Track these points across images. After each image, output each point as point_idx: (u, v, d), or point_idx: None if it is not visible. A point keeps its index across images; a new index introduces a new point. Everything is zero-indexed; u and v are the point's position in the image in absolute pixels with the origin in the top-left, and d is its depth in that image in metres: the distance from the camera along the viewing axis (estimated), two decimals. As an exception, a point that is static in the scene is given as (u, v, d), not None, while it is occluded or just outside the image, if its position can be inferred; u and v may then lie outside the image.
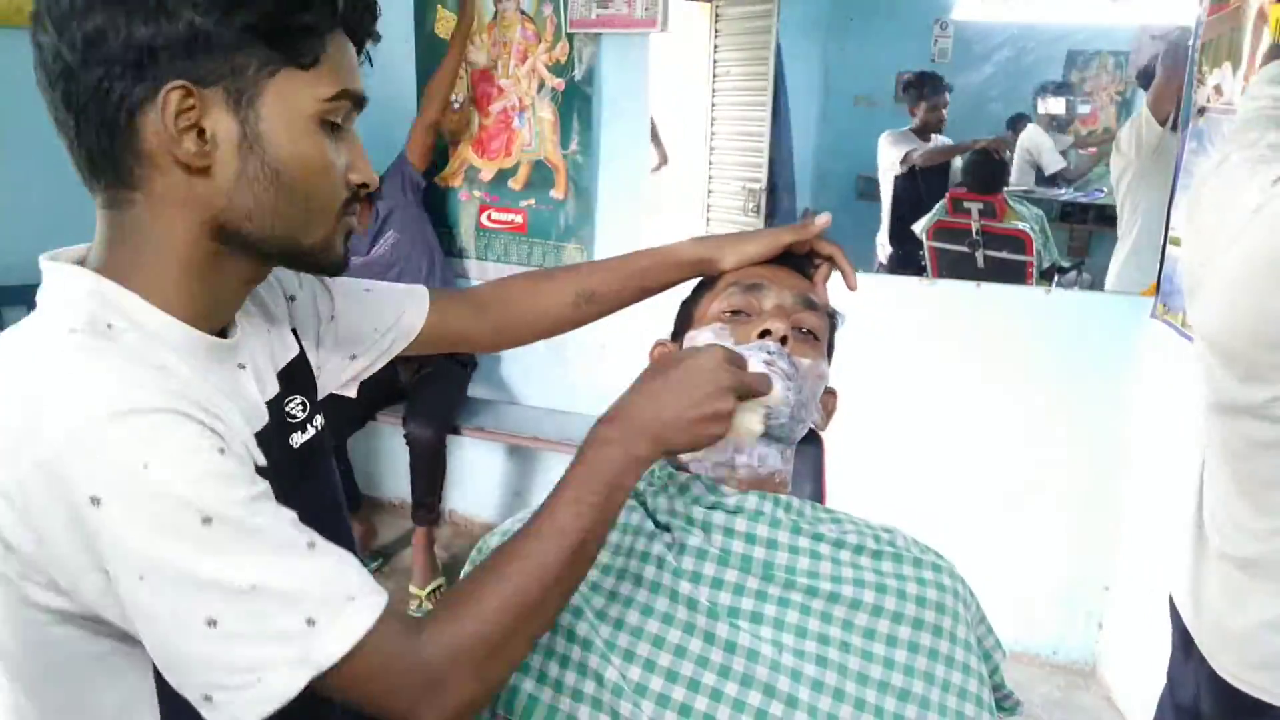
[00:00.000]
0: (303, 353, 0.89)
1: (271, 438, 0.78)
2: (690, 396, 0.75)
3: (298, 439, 0.84)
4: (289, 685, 0.60)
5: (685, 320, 1.06)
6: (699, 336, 0.98)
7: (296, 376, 0.87)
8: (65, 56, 0.65)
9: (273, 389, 0.82)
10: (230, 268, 0.73)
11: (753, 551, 0.88)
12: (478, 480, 3.24)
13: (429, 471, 2.74)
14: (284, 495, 0.68)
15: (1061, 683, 2.50)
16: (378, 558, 3.02)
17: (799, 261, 1.07)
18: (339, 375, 0.97)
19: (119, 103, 0.65)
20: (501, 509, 3.23)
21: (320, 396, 0.92)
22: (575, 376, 2.98)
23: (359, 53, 0.75)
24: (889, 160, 3.52)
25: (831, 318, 1.05)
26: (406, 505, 3.23)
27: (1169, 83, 2.32)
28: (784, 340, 0.93)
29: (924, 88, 3.40)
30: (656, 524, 0.91)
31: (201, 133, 0.66)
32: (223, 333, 0.77)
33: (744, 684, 0.79)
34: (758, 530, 0.89)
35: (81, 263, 0.72)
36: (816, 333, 0.99)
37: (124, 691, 0.70)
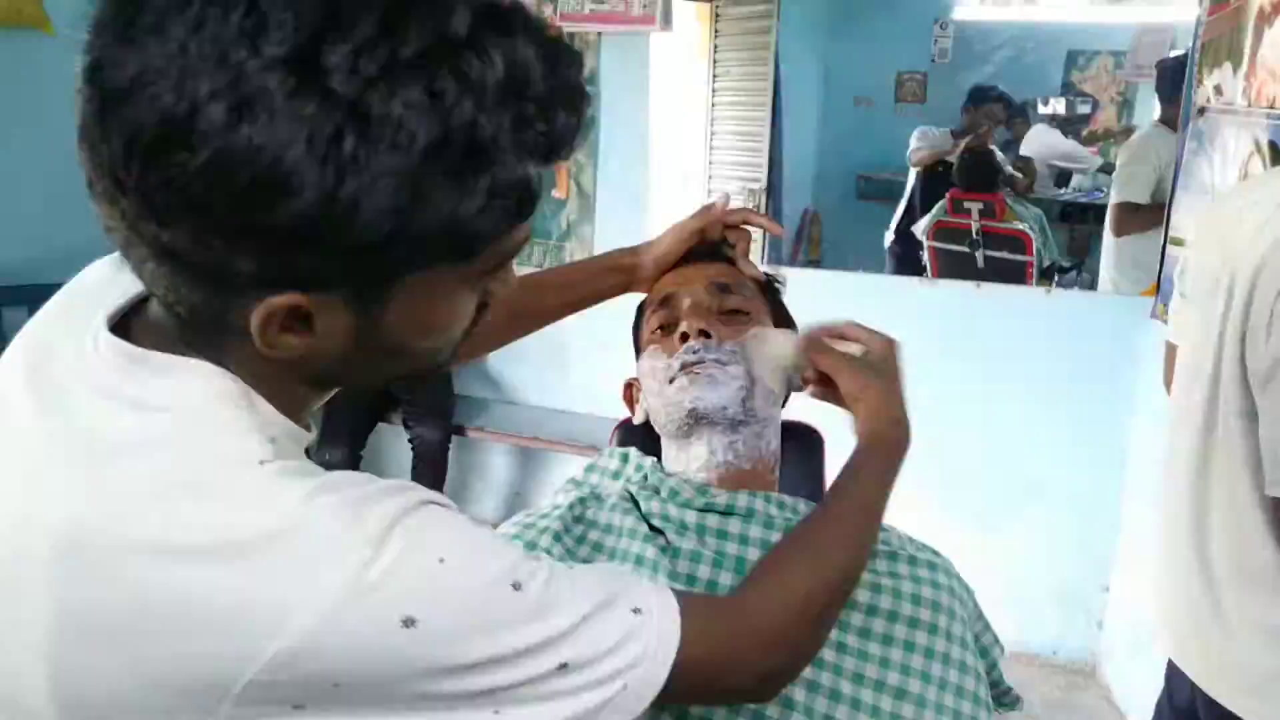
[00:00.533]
0: None
1: None
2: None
3: None
4: (651, 680, 0.59)
5: (636, 348, 1.06)
6: (643, 362, 1.00)
7: None
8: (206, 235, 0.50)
9: None
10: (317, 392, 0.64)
11: (747, 553, 0.88)
12: (477, 480, 3.24)
13: (435, 472, 2.75)
14: None
15: (1061, 683, 2.50)
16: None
17: (714, 248, 1.06)
18: None
19: (223, 294, 0.53)
20: (502, 509, 3.23)
21: None
22: (575, 376, 2.98)
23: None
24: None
25: (765, 284, 1.05)
26: (407, 505, 3.23)
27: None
28: (704, 334, 0.93)
29: (985, 97, 3.36)
30: (651, 528, 0.91)
31: (310, 324, 0.53)
32: None
33: (740, 685, 0.79)
34: (750, 532, 0.90)
35: (128, 313, 0.60)
36: (743, 308, 0.99)
37: None
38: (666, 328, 0.99)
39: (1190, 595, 1.18)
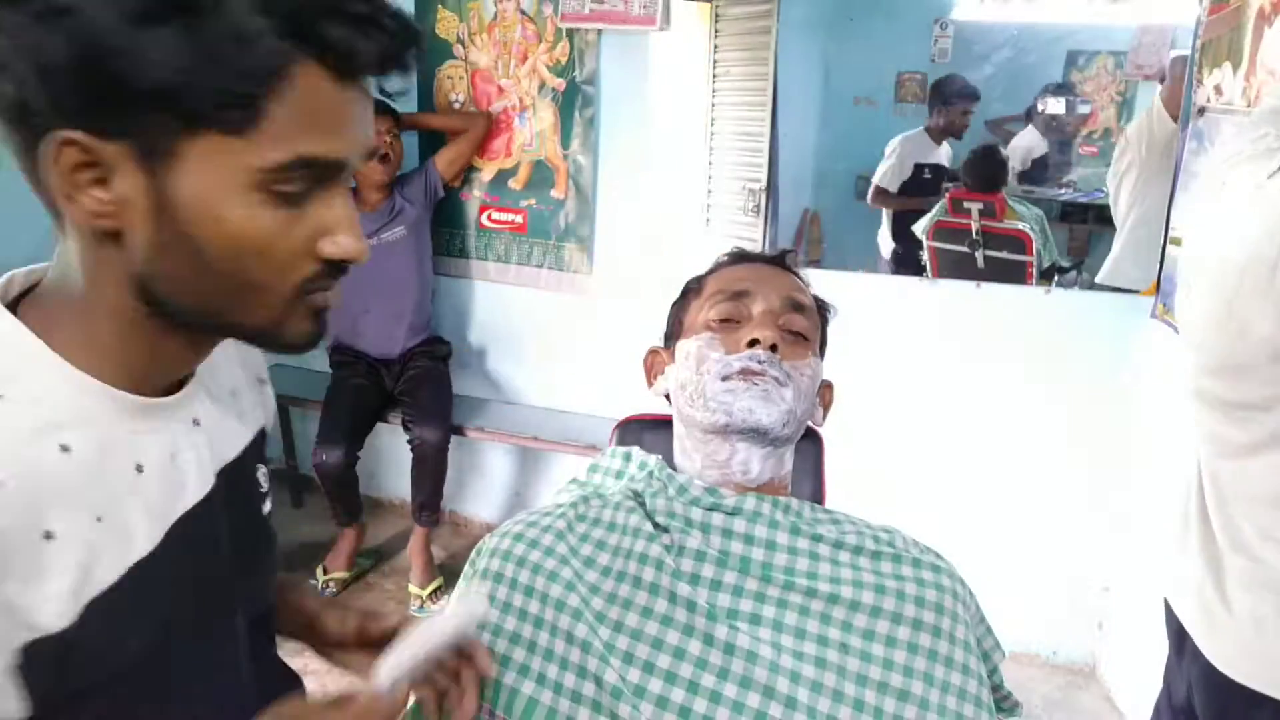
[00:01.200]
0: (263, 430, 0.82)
1: (222, 504, 0.71)
2: None
3: (266, 507, 0.79)
4: None
5: (675, 327, 1.06)
6: (688, 346, 0.99)
7: (257, 452, 0.80)
8: None
9: (234, 451, 0.74)
10: (165, 330, 0.62)
11: (751, 553, 0.88)
12: (477, 480, 3.24)
13: (435, 473, 2.75)
14: (244, 564, 0.71)
15: (1061, 683, 2.50)
16: (371, 556, 3.02)
17: (783, 259, 1.08)
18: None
19: (15, 143, 0.57)
20: (501, 509, 3.23)
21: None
22: (575, 376, 2.98)
23: (383, 81, 0.60)
24: (898, 168, 3.49)
25: (822, 312, 1.05)
26: (406, 505, 3.22)
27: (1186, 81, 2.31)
28: (774, 347, 0.94)
29: (954, 91, 3.36)
30: (655, 525, 0.91)
31: (105, 185, 0.56)
32: (176, 387, 0.68)
33: (743, 685, 0.79)
34: (756, 531, 0.90)
35: (32, 288, 0.64)
36: (806, 333, 1.00)
37: None
38: (730, 321, 0.98)
39: (1207, 564, 1.18)
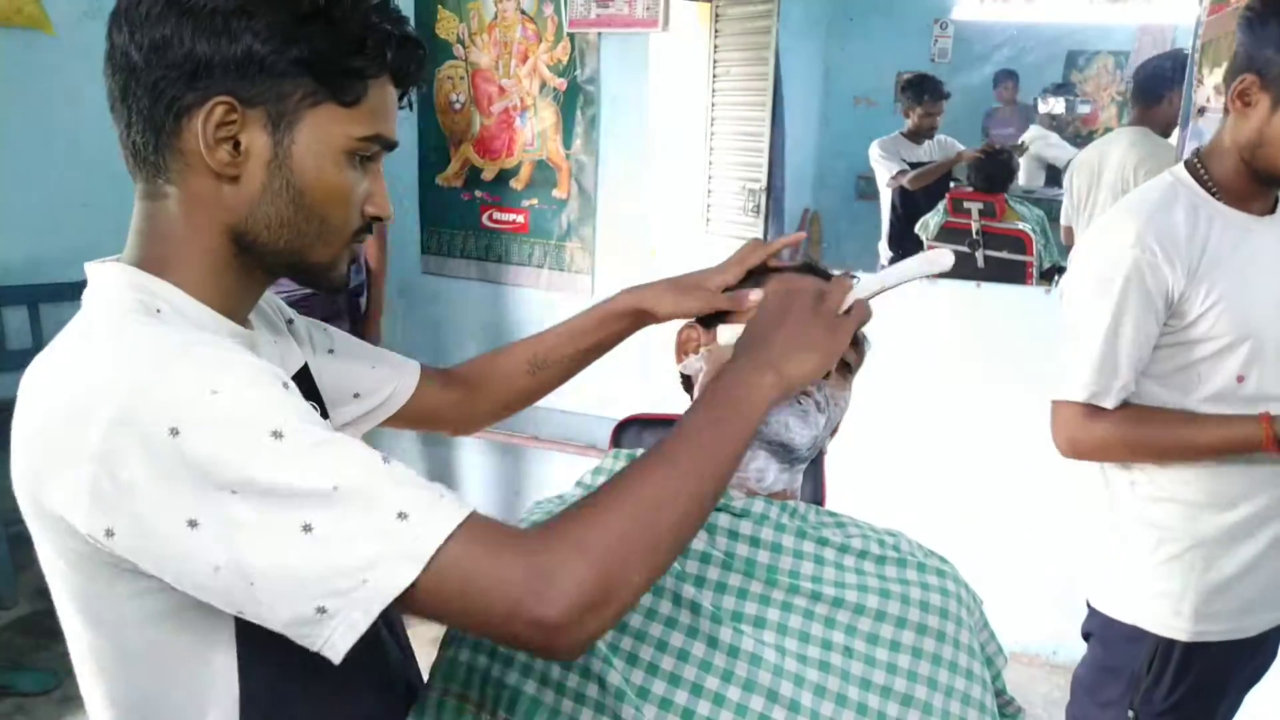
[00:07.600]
0: (307, 366, 0.91)
1: None
2: (798, 327, 0.82)
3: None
4: (395, 581, 0.61)
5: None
6: (730, 333, 0.95)
7: (305, 384, 0.88)
8: (131, 55, 0.70)
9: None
10: (246, 271, 0.77)
11: (757, 556, 0.88)
12: (477, 480, 3.24)
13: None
14: None
15: (1061, 683, 2.50)
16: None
17: (825, 274, 1.01)
18: (341, 411, 0.98)
19: (169, 104, 0.71)
20: (501, 509, 3.22)
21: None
22: (575, 377, 2.97)
23: (401, 99, 0.81)
24: (881, 175, 3.49)
25: (858, 345, 1.01)
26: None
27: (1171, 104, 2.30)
28: (825, 375, 0.89)
29: (923, 91, 3.38)
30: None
31: (237, 145, 0.72)
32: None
33: (747, 689, 0.79)
34: (762, 534, 0.90)
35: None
36: (851, 364, 0.98)
37: (200, 682, 0.72)
38: None
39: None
